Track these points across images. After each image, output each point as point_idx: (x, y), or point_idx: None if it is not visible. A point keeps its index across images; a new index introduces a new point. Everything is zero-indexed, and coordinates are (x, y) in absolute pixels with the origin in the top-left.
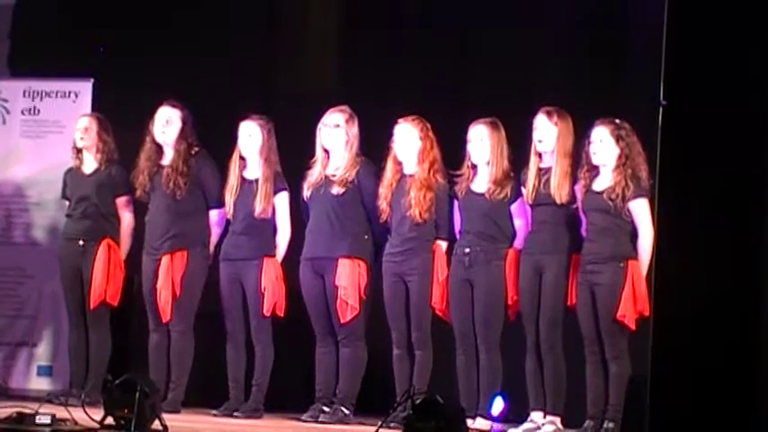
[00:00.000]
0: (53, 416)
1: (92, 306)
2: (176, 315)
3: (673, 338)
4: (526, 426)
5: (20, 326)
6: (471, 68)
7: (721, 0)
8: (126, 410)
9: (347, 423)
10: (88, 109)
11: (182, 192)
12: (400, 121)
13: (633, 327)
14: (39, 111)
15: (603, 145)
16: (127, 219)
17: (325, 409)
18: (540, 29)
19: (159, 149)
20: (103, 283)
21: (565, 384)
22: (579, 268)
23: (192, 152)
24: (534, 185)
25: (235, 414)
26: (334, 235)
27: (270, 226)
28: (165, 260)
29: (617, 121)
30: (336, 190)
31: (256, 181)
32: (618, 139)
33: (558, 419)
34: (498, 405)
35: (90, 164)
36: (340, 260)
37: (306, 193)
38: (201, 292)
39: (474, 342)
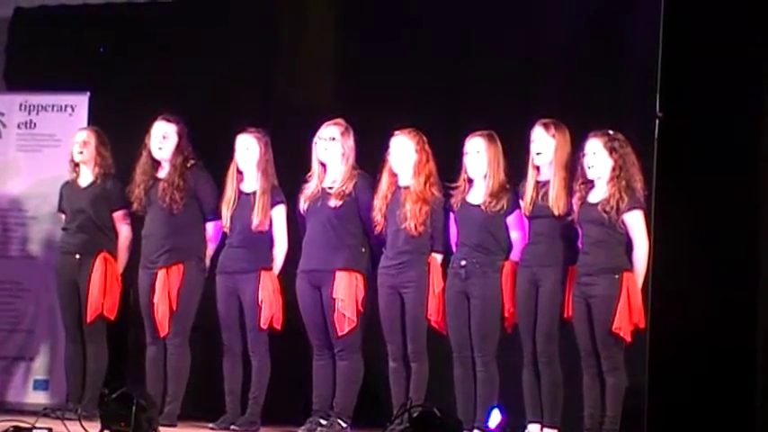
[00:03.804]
0: (50, 429)
1: (89, 320)
2: (173, 328)
3: (669, 350)
4: None
5: (16, 340)
6: (468, 81)
7: (716, 14)
8: (123, 424)
9: None
10: (84, 122)
11: (178, 206)
12: (396, 133)
13: (629, 339)
14: (35, 124)
15: (597, 157)
16: (124, 232)
17: (322, 422)
18: (537, 41)
19: (155, 163)
20: (100, 296)
21: (562, 396)
22: (575, 280)
23: (188, 165)
24: (532, 198)
25: (231, 427)
26: (332, 247)
27: (267, 239)
28: (161, 274)
29: (610, 132)
30: (333, 203)
31: (253, 194)
32: (611, 150)
33: None
34: (495, 417)
35: (86, 177)
36: (337, 273)
37: (303, 206)
38: (198, 305)
39: (471, 354)
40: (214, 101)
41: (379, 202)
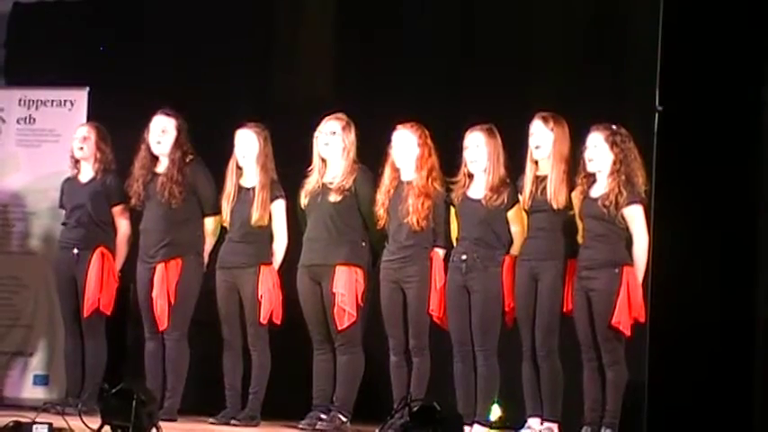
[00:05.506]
0: (50, 425)
1: (85, 314)
2: (171, 323)
3: (669, 344)
4: None
5: (16, 335)
6: (467, 75)
7: (716, 8)
8: (123, 419)
9: (344, 430)
10: (84, 118)
11: (176, 200)
12: (399, 127)
13: (628, 333)
14: (34, 120)
15: (598, 151)
16: (123, 227)
17: (323, 416)
18: (537, 35)
19: (154, 158)
20: (97, 291)
21: (562, 390)
22: (575, 274)
23: (187, 160)
24: (531, 192)
25: (232, 422)
26: (332, 242)
27: (267, 233)
28: (159, 268)
29: (613, 126)
30: (333, 197)
31: (253, 189)
32: (612, 145)
33: (555, 426)
34: (496, 412)
35: (87, 173)
36: (337, 267)
37: (303, 200)
38: (196, 300)
39: (471, 349)
40: (213, 95)
41: (381, 197)
